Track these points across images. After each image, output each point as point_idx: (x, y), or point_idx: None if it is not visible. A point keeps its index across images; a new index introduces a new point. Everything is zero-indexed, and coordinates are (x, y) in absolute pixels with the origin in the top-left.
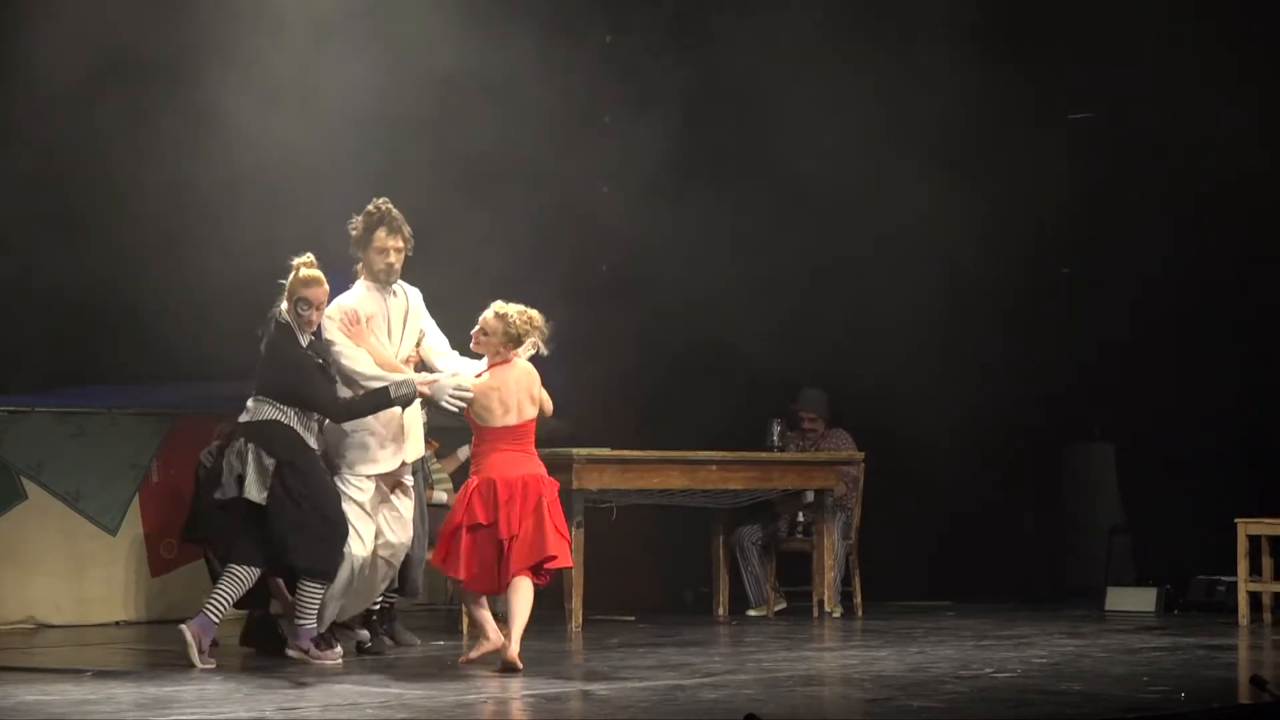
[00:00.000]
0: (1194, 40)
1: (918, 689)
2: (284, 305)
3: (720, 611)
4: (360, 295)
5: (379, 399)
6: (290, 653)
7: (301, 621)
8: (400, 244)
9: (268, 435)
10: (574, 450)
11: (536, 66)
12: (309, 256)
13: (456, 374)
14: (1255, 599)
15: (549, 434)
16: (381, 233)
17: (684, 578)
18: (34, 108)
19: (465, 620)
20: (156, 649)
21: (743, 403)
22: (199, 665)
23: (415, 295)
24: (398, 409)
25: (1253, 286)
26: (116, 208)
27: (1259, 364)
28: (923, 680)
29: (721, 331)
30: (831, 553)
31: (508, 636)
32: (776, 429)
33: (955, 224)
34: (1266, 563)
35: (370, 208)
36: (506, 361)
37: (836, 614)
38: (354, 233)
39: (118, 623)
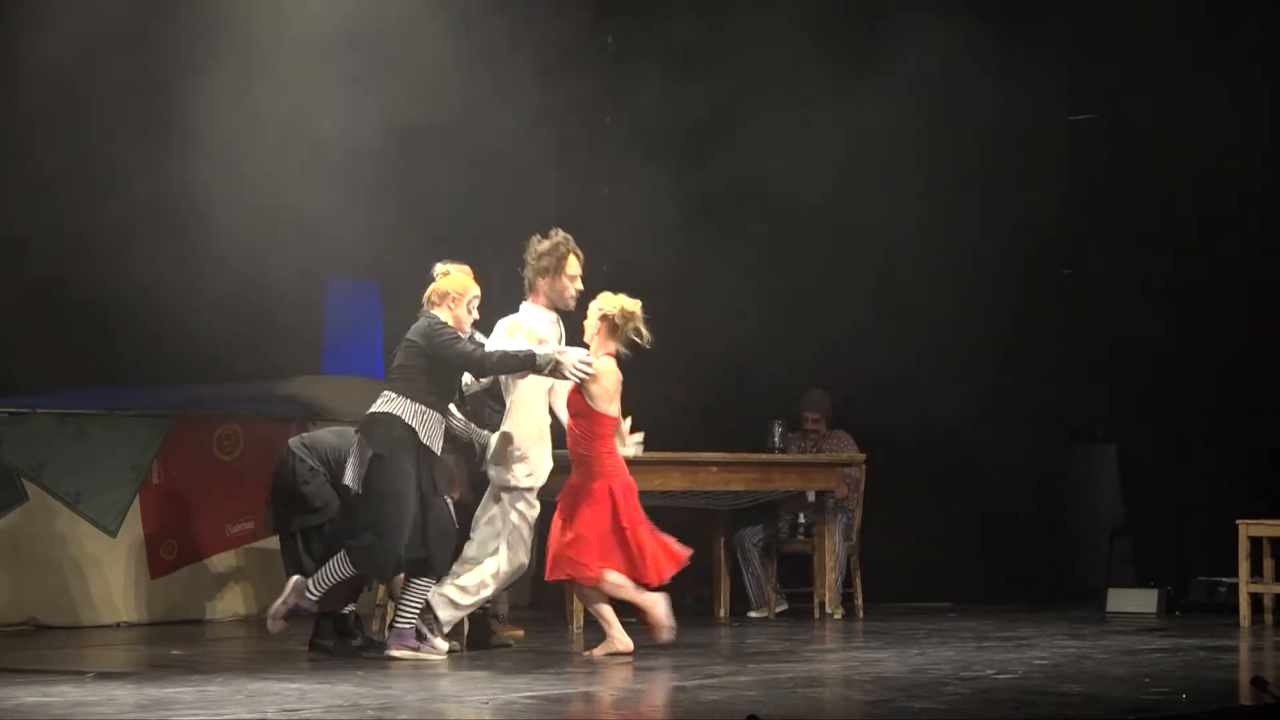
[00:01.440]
0: (1196, 40)
1: (919, 690)
2: (437, 310)
3: (721, 613)
4: (539, 318)
5: (525, 359)
6: (395, 653)
7: (400, 624)
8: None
9: (373, 426)
10: None
11: (535, 69)
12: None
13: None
14: (1256, 600)
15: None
16: (573, 259)
17: (685, 579)
18: (40, 113)
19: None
20: (157, 651)
21: (743, 404)
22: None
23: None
24: (545, 419)
25: (1255, 287)
26: (118, 212)
27: (1261, 365)
28: (924, 681)
29: (722, 333)
30: (833, 554)
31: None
32: (778, 430)
33: (956, 226)
34: (1268, 564)
35: (558, 238)
36: (611, 354)
37: (837, 615)
38: (540, 261)
39: (118, 624)
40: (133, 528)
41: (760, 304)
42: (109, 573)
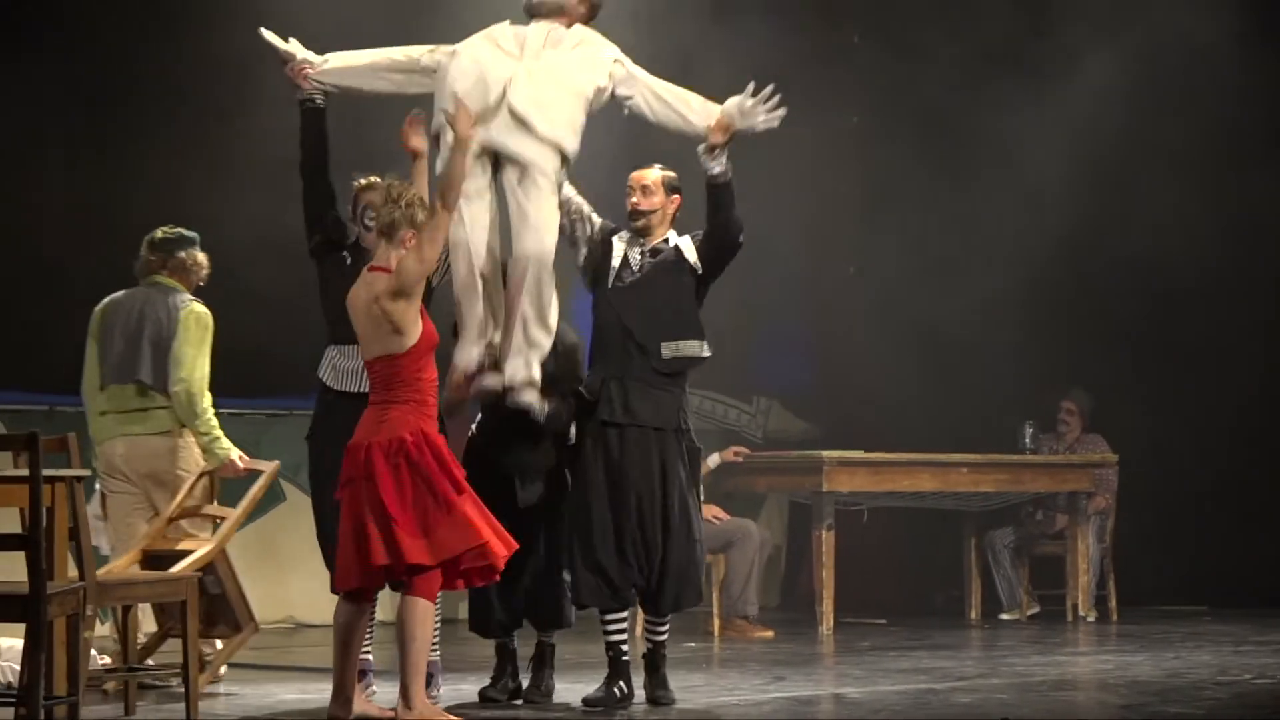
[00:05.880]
0: None
1: (1174, 695)
2: None
3: (972, 615)
4: None
5: None
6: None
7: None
8: None
9: None
10: (825, 453)
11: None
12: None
13: None
14: None
15: (801, 438)
16: None
17: (935, 581)
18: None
19: None
20: None
21: (994, 405)
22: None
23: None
24: None
25: None
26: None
27: None
28: (1179, 686)
29: (973, 334)
30: (1086, 556)
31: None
32: (1029, 431)
33: (1203, 227)
34: None
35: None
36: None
37: (1091, 618)
38: None
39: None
40: None
41: (1013, 305)
42: None
